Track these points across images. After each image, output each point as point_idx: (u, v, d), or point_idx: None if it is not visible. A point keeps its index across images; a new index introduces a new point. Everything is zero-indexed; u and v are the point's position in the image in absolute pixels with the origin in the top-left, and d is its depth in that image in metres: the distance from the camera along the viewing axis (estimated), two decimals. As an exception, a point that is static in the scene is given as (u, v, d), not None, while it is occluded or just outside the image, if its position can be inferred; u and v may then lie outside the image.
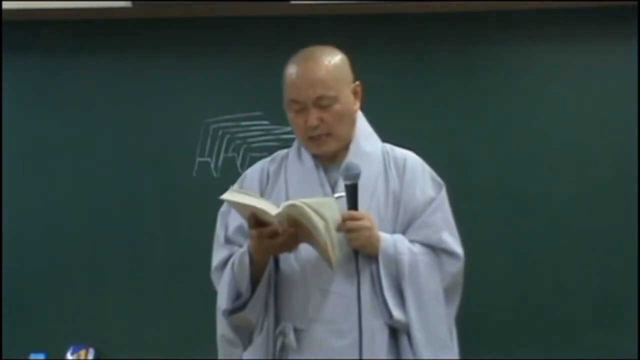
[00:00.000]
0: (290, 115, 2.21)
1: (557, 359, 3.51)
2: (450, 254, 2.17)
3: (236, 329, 2.18)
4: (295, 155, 2.27)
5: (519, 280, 3.62)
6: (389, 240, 2.12)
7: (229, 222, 2.25)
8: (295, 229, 2.02)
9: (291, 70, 2.20)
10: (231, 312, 2.17)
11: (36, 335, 3.70)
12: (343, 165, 2.11)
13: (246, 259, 2.12)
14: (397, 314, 2.08)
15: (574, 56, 3.77)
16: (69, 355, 3.64)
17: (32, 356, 3.67)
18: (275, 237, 2.03)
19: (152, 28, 3.84)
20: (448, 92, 3.76)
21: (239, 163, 3.78)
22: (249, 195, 2.08)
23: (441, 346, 2.11)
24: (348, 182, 2.07)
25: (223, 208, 2.28)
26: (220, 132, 3.80)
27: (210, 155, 3.80)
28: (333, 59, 2.20)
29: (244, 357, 2.18)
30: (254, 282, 2.13)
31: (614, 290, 3.60)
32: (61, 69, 3.86)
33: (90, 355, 3.65)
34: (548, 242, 3.66)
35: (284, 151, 2.33)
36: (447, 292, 2.16)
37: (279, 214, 1.99)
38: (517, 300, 3.62)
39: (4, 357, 3.58)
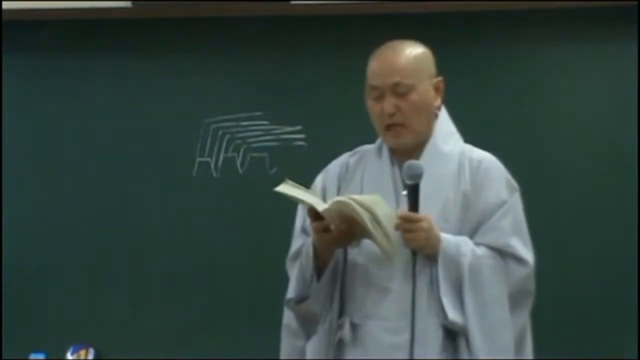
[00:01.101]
0: (369, 104, 2.20)
1: (557, 359, 3.50)
2: (518, 259, 2.11)
3: (301, 319, 2.19)
4: (376, 150, 2.26)
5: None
6: (452, 241, 2.07)
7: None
8: (349, 225, 2.03)
9: (373, 59, 2.23)
10: (297, 302, 2.17)
11: (36, 335, 3.70)
12: (405, 164, 2.07)
13: (311, 250, 2.12)
14: (452, 315, 2.03)
15: (574, 56, 3.77)
16: (69, 355, 3.64)
17: (32, 356, 3.67)
18: (327, 231, 2.04)
19: (153, 28, 3.84)
20: (447, 92, 3.72)
21: (239, 163, 3.78)
22: (299, 189, 2.07)
23: (501, 352, 2.04)
24: (409, 182, 2.05)
25: None
26: (220, 132, 3.80)
27: (210, 155, 3.80)
28: (414, 50, 2.23)
29: (307, 348, 2.18)
30: (319, 273, 2.13)
31: (614, 290, 3.59)
32: (61, 69, 3.87)
33: (90, 355, 3.65)
34: (548, 242, 3.63)
35: (368, 146, 2.31)
36: (514, 298, 2.10)
37: (327, 210, 2.00)
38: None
39: (4, 357, 3.57)
